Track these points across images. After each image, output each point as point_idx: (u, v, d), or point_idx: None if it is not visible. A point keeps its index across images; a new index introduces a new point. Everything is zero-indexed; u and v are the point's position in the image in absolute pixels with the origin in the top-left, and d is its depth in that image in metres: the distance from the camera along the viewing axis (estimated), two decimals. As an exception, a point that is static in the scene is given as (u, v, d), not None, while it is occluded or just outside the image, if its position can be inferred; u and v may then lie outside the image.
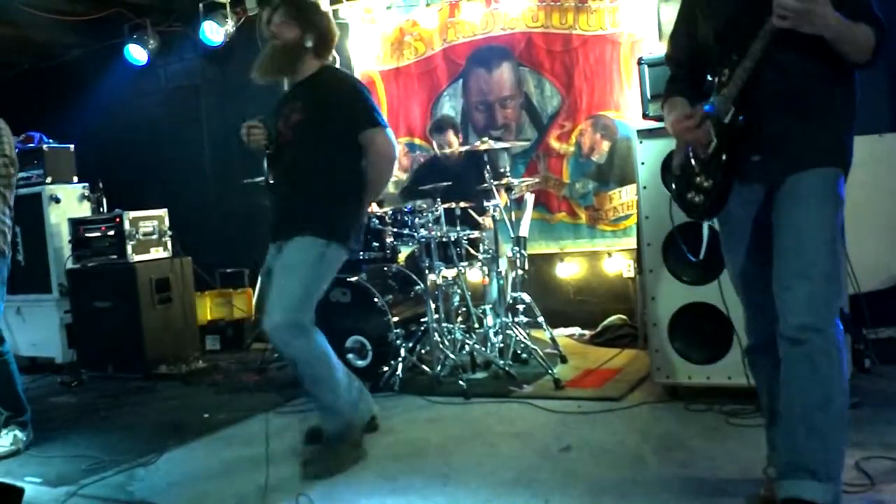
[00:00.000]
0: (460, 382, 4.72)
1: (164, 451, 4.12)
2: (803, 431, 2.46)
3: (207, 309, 7.04)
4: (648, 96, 4.13)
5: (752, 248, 2.71)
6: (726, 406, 3.92)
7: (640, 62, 4.20)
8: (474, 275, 5.63)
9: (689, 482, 3.16)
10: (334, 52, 4.15)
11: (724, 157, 2.61)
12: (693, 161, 2.75)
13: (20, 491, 2.83)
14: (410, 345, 5.09)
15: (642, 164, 4.10)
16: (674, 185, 2.90)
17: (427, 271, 5.15)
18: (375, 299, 4.96)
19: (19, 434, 4.45)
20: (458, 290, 5.32)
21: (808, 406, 2.46)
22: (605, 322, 5.89)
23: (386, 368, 5.00)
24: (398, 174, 6.66)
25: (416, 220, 5.20)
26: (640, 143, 4.11)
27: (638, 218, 4.27)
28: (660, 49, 5.63)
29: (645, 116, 4.16)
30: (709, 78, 2.73)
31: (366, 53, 7.12)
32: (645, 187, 4.10)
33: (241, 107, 7.81)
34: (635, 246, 5.63)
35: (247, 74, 7.60)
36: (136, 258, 6.19)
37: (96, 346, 6.28)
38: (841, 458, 2.51)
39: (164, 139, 8.15)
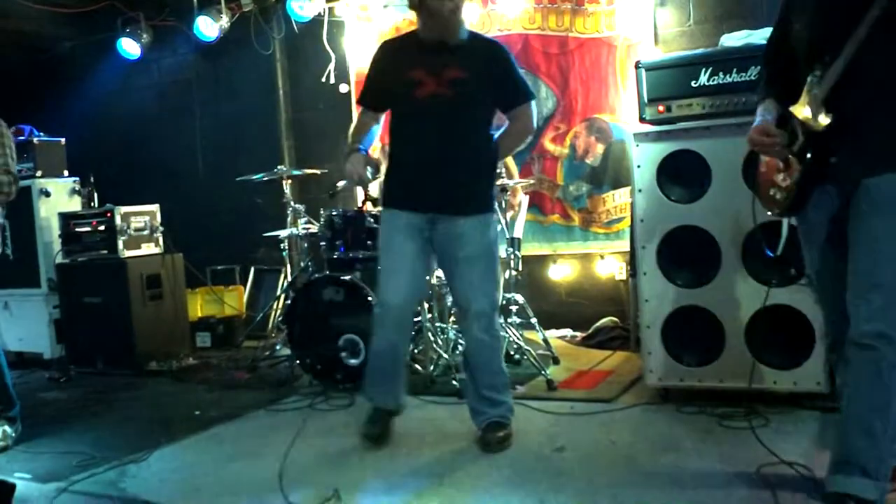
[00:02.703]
0: (454, 382, 4.72)
1: (156, 448, 4.11)
2: (859, 432, 2.57)
3: (198, 306, 7.00)
4: (646, 100, 4.13)
5: (827, 248, 2.78)
6: (718, 409, 3.93)
7: (637, 66, 4.20)
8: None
9: (681, 483, 3.17)
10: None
11: (808, 156, 2.68)
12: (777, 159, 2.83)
13: (12, 487, 2.81)
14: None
15: (638, 167, 4.11)
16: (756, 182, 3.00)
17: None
18: (369, 298, 4.95)
19: (8, 429, 4.43)
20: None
21: (867, 409, 2.57)
22: (597, 324, 5.90)
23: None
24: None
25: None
26: (637, 146, 4.12)
27: (633, 221, 4.28)
28: (656, 53, 5.68)
29: (642, 120, 4.16)
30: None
31: (361, 51, 7.10)
32: (640, 190, 4.11)
33: (233, 102, 7.83)
34: (628, 249, 5.66)
35: (240, 70, 7.72)
36: (128, 254, 6.16)
37: (85, 341, 6.24)
38: (891, 460, 2.60)
39: (157, 134, 8.12)
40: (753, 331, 3.88)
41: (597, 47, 6.08)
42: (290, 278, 6.32)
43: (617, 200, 6.04)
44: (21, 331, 6.58)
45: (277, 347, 6.07)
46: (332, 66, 7.13)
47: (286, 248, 6.39)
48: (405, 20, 6.87)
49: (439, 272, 5.17)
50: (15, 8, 7.15)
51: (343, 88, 7.12)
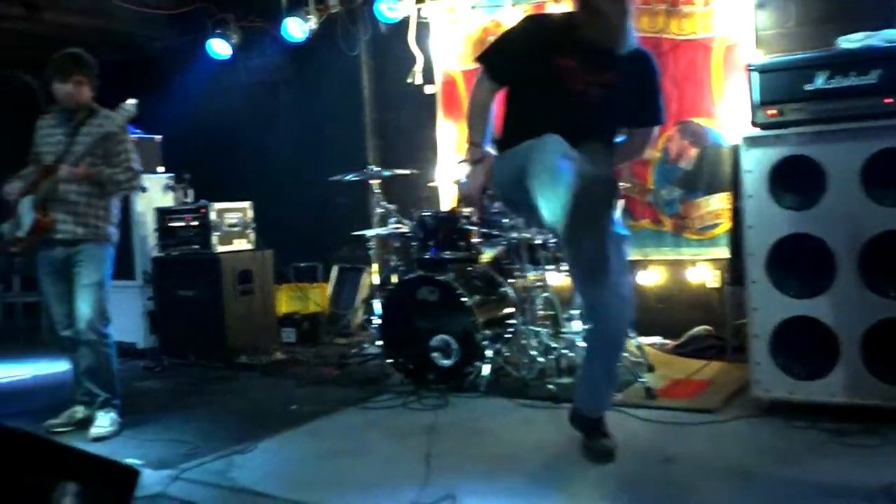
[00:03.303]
0: (550, 386, 4.71)
1: (258, 441, 4.18)
2: None
3: (283, 302, 7.09)
4: (757, 103, 4.06)
5: None
6: (830, 424, 3.81)
7: (749, 68, 4.13)
8: (556, 279, 5.59)
9: (804, 499, 3.10)
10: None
11: None
12: None
13: (136, 473, 2.86)
14: (497, 346, 5.08)
15: (748, 172, 4.04)
16: None
17: (516, 273, 5.15)
18: (464, 299, 4.95)
19: (115, 416, 4.56)
20: (544, 294, 5.30)
21: None
22: (690, 332, 5.81)
23: (471, 369, 4.99)
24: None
25: (505, 221, 5.19)
26: (747, 150, 4.05)
27: (740, 227, 4.19)
28: (756, 55, 5.57)
29: (753, 124, 4.10)
30: None
31: (447, 53, 7.13)
32: (751, 196, 4.03)
33: (318, 103, 7.91)
34: (723, 256, 5.58)
35: (326, 71, 7.80)
36: (221, 249, 6.27)
37: (178, 333, 6.38)
38: None
39: (244, 133, 8.24)
40: (870, 344, 3.77)
41: (692, 49, 6.00)
42: (377, 277, 6.36)
43: (711, 206, 5.95)
44: (116, 321, 6.63)
45: (365, 345, 6.10)
46: (417, 68, 7.14)
47: (373, 246, 6.43)
48: (493, 21, 6.88)
49: (532, 275, 5.17)
50: (110, 8, 7.31)
51: (429, 89, 7.14)
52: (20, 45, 8.69)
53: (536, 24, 3.72)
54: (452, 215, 5.37)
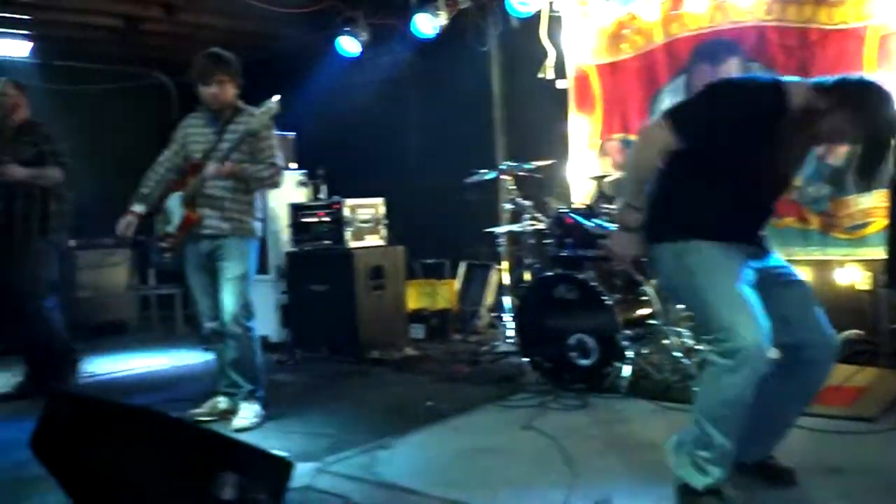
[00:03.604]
0: (695, 389, 4.53)
1: (400, 436, 4.17)
2: None
3: (412, 298, 7.09)
4: (929, 94, 3.81)
5: None
6: None
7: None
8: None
9: None
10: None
11: None
12: None
13: (291, 464, 2.87)
14: (638, 347, 4.95)
15: (918, 167, 3.80)
16: None
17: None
18: (604, 297, 4.84)
19: (258, 408, 4.63)
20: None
21: None
22: (840, 336, 5.52)
23: (610, 369, 4.86)
24: (612, 171, 6.50)
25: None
26: (914, 145, 3.80)
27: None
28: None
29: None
30: None
31: (580, 47, 7.00)
32: (920, 193, 3.79)
33: (447, 99, 7.90)
34: (876, 256, 5.30)
35: (455, 67, 7.78)
36: (354, 245, 6.31)
37: (310, 327, 6.46)
38: None
39: (373, 130, 8.29)
40: None
41: (842, 39, 5.70)
42: (507, 275, 6.30)
43: (862, 204, 5.65)
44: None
45: (496, 343, 6.05)
46: (549, 62, 7.04)
47: (503, 243, 6.37)
48: (628, 14, 6.71)
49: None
50: (245, 9, 7.45)
51: (561, 84, 7.03)
52: (157, 45, 9.02)
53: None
54: (590, 212, 5.25)
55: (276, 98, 4.56)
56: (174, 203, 4.68)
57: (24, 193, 5.32)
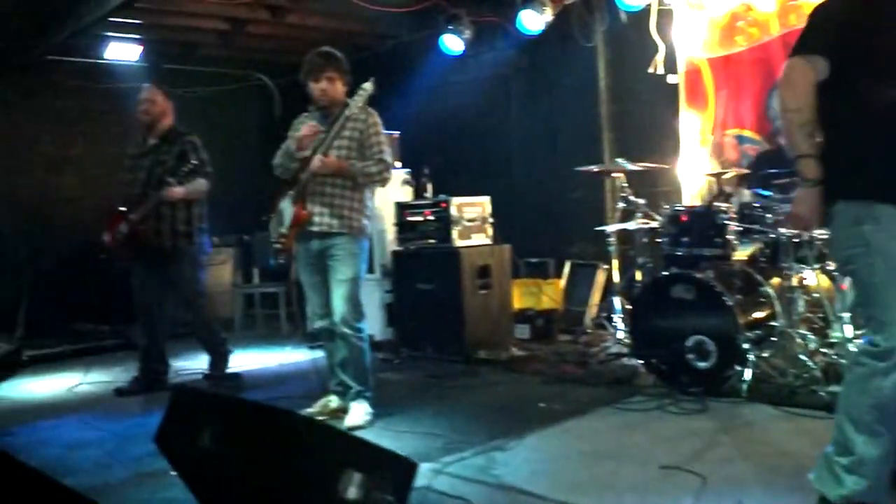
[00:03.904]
0: (821, 394, 4.33)
1: (516, 438, 4.09)
2: None
3: (516, 297, 6.99)
4: None
5: None
6: None
7: None
8: (821, 279, 5.17)
9: None
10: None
11: None
12: None
13: (414, 465, 2.80)
14: (759, 349, 4.75)
15: None
16: None
17: (784, 272, 4.80)
18: (724, 298, 4.65)
19: (369, 407, 4.59)
20: (808, 294, 4.91)
21: None
22: None
23: (730, 373, 4.67)
24: (725, 168, 6.29)
25: (768, 216, 4.85)
26: None
27: None
28: None
29: None
30: None
31: (692, 40, 6.80)
32: None
33: (551, 96, 7.79)
34: None
35: (559, 63, 7.66)
36: (460, 243, 6.25)
37: (415, 326, 6.43)
38: None
39: (475, 128, 8.25)
40: None
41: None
42: (617, 274, 6.15)
43: None
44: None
45: (606, 343, 5.91)
46: (659, 57, 6.85)
47: (612, 242, 6.22)
48: (742, 5, 6.49)
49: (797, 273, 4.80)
50: (351, 10, 7.48)
51: (671, 79, 6.84)
52: (260, 48, 9.15)
53: None
54: (708, 210, 5.07)
55: (371, 81, 4.49)
56: (286, 204, 4.69)
57: (160, 198, 5.51)
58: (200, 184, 5.59)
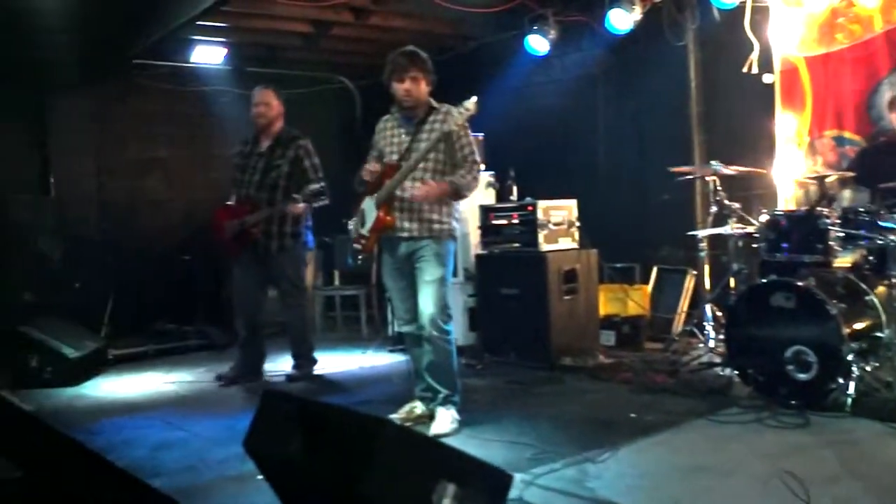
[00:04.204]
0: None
1: (608, 450, 3.93)
2: None
3: (602, 303, 6.83)
4: None
5: None
6: None
7: None
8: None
9: None
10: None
11: None
12: None
13: (509, 477, 2.69)
14: (863, 361, 4.50)
15: None
16: None
17: (890, 279, 4.55)
18: (827, 307, 4.43)
19: (455, 413, 4.51)
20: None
21: None
22: None
23: (833, 385, 4.44)
24: (823, 170, 6.02)
25: (878, 221, 4.61)
26: None
27: None
28: None
29: None
30: None
31: (788, 38, 6.53)
32: None
33: (638, 97, 7.60)
34: None
35: (648, 63, 7.47)
36: (546, 247, 6.13)
37: (499, 331, 6.33)
38: None
39: (560, 130, 8.09)
40: None
41: None
42: (708, 281, 5.95)
43: None
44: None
45: (698, 352, 5.71)
46: (754, 56, 6.61)
47: (704, 248, 6.03)
48: (842, 1, 6.21)
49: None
50: (434, 11, 7.40)
51: (767, 79, 6.58)
52: (342, 50, 9.15)
53: None
54: (810, 214, 4.84)
55: (474, 99, 4.37)
56: (369, 205, 4.63)
57: (283, 211, 5.75)
58: (316, 189, 5.75)
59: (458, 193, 4.53)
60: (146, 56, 8.05)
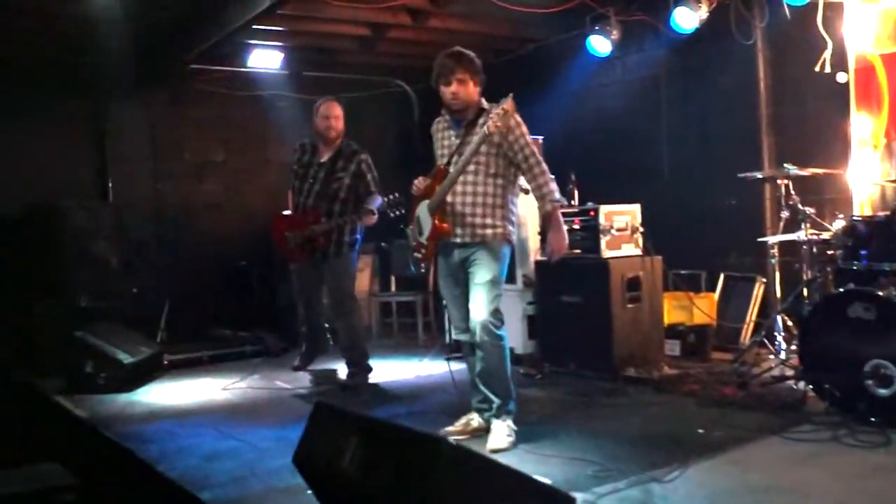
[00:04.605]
0: None
1: (675, 468, 3.73)
2: None
3: (666, 311, 6.59)
4: None
5: None
6: None
7: None
8: None
9: None
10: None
11: None
12: None
13: (572, 500, 2.52)
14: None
15: None
16: None
17: None
18: (912, 319, 4.16)
19: (512, 424, 4.35)
20: None
21: None
22: None
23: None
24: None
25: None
26: None
27: None
28: None
29: None
30: None
31: (862, 35, 6.23)
32: None
33: (704, 98, 7.35)
34: None
35: (714, 63, 7.23)
36: (609, 254, 5.93)
37: (559, 340, 6.15)
38: None
39: (622, 132, 7.88)
40: None
41: None
42: (779, 289, 5.69)
43: None
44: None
45: (768, 364, 5.45)
46: (827, 54, 6.32)
47: (774, 255, 5.77)
48: (929, -5, 5.90)
49: None
50: (491, 12, 7.25)
51: (841, 78, 6.28)
52: (399, 53, 9.04)
53: None
54: (891, 220, 4.58)
55: (510, 98, 4.16)
56: (423, 212, 4.50)
57: (339, 213, 5.85)
58: (375, 202, 5.81)
59: (558, 203, 4.42)
60: (202, 61, 8.06)
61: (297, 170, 6.07)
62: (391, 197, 5.74)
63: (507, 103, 4.14)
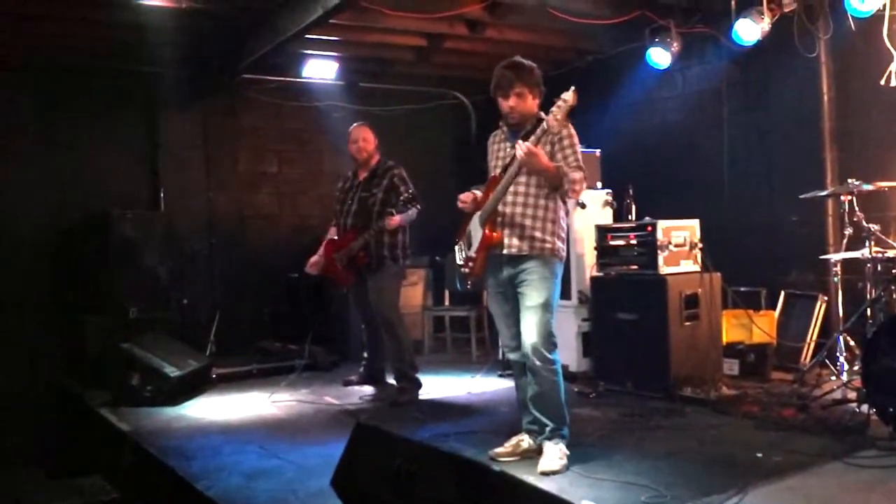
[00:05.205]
0: None
1: (732, 495, 3.61)
2: None
3: (725, 329, 6.43)
4: None
5: None
6: None
7: None
8: None
9: None
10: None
11: None
12: None
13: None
14: None
15: None
16: None
17: None
18: (985, 342, 3.99)
19: (564, 448, 4.25)
20: None
21: None
22: None
23: None
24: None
25: None
26: None
27: None
28: None
29: None
30: None
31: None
32: None
33: (766, 111, 7.20)
34: None
35: (776, 76, 7.06)
36: (667, 270, 5.81)
37: (615, 358, 6.06)
38: None
39: (682, 147, 7.75)
40: None
41: None
42: (842, 308, 5.52)
43: None
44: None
45: (831, 386, 5.28)
46: (893, 67, 6.12)
47: (837, 272, 5.60)
48: None
49: None
50: (549, 23, 7.18)
51: (906, 91, 6.09)
52: (456, 64, 9.00)
53: None
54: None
55: (572, 89, 3.98)
56: (475, 224, 4.43)
57: (381, 227, 5.99)
58: (412, 213, 6.00)
59: (559, 183, 4.18)
60: (256, 71, 8.09)
61: (338, 195, 6.37)
62: None
63: (570, 95, 3.98)
